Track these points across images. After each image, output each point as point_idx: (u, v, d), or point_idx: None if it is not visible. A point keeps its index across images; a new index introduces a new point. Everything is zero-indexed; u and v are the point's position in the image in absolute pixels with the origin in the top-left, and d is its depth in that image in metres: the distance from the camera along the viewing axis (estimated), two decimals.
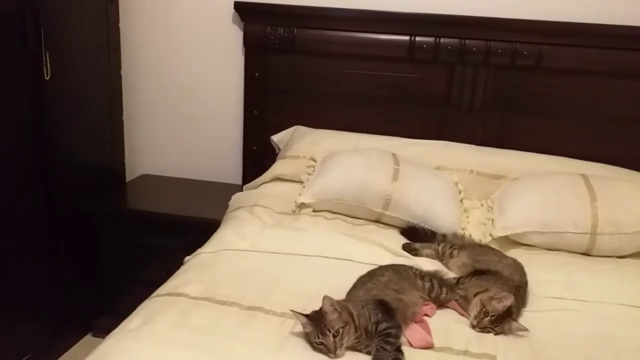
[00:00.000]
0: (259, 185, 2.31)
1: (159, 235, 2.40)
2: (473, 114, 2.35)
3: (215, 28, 2.58)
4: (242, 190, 2.37)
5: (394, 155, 2.09)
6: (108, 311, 2.46)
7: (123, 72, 2.64)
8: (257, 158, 2.62)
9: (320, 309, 1.26)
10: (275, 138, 2.53)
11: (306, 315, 1.25)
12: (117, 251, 2.45)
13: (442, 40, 2.29)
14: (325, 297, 1.24)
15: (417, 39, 2.31)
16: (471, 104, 2.34)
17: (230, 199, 2.24)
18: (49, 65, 2.08)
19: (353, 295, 1.39)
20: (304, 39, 2.42)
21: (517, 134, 2.32)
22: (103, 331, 2.43)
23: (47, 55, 2.07)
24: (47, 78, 2.09)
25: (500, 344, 1.31)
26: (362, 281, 1.46)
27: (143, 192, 2.67)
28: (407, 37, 2.33)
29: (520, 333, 1.36)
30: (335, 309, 1.24)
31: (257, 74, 2.53)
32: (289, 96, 2.53)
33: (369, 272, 1.51)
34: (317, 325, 1.23)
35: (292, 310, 1.27)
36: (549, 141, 2.26)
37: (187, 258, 1.78)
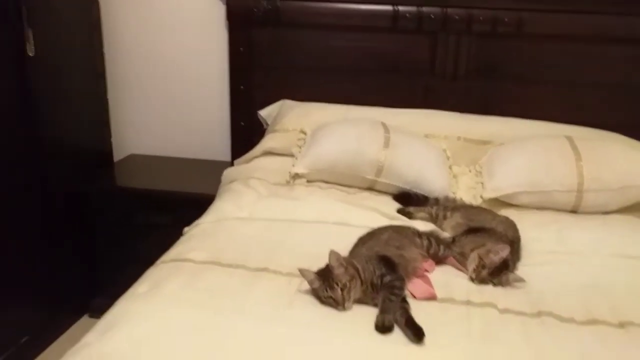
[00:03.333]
0: (251, 160, 2.32)
1: (152, 213, 2.39)
2: (457, 82, 2.39)
3: (197, 3, 2.56)
4: (232, 166, 2.37)
5: (383, 124, 2.12)
6: (105, 292, 2.45)
7: (106, 51, 2.60)
8: (246, 134, 2.62)
9: (327, 265, 1.29)
10: (263, 113, 2.53)
11: (314, 273, 1.28)
12: (111, 231, 2.44)
13: (424, 9, 2.32)
14: (332, 252, 1.27)
15: (400, 8, 2.33)
16: (455, 73, 2.38)
17: (220, 175, 2.24)
18: (32, 41, 2.04)
19: (356, 253, 1.42)
20: (288, 11, 2.42)
21: (501, 100, 2.37)
22: (100, 312, 2.42)
23: (31, 32, 2.03)
24: (32, 55, 2.05)
25: (499, 294, 1.36)
26: (363, 240, 1.50)
27: (133, 171, 2.65)
28: (390, 7, 2.35)
29: (518, 284, 1.41)
30: (342, 264, 1.27)
31: (241, 49, 2.52)
32: (275, 70, 2.54)
33: (369, 232, 1.54)
34: (324, 281, 1.26)
35: (299, 268, 1.30)
36: (533, 107, 2.31)
37: (186, 229, 1.79)
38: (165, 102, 2.74)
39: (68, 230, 2.38)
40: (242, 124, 2.63)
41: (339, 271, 1.26)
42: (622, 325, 1.23)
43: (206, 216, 1.81)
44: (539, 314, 1.27)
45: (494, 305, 1.30)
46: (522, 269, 1.50)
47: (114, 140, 2.74)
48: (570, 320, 1.25)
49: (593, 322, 1.25)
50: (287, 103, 2.50)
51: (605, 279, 1.43)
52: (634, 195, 1.82)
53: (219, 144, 2.75)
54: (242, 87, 2.57)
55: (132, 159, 2.77)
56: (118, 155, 2.76)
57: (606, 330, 1.22)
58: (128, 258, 2.42)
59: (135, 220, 2.41)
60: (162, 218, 2.36)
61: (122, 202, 2.42)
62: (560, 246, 1.63)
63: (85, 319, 2.51)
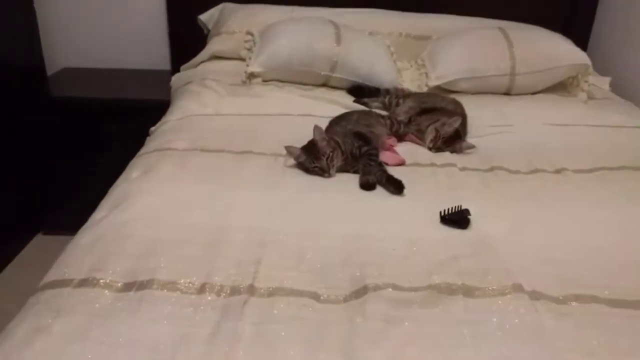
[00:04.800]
0: (198, 64, 2.32)
1: (98, 123, 2.35)
2: None
3: None
4: (179, 72, 2.35)
5: (331, 21, 2.19)
6: (58, 207, 2.44)
7: None
8: (185, 40, 2.58)
9: (309, 142, 1.42)
10: (203, 17, 2.50)
11: (299, 149, 1.41)
12: (56, 146, 2.38)
13: None
14: (316, 127, 1.40)
15: None
16: None
17: (161, 83, 2.24)
18: None
19: (332, 132, 1.55)
20: None
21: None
22: (55, 228, 2.43)
23: None
24: None
25: (457, 158, 1.57)
26: (335, 122, 1.63)
27: (70, 84, 2.55)
28: None
29: (469, 151, 1.63)
30: (324, 138, 1.41)
31: None
32: None
33: (338, 116, 1.67)
34: (310, 154, 1.39)
35: (286, 146, 1.41)
36: (467, 5, 2.47)
37: (152, 128, 1.81)
38: (97, 11, 2.61)
39: (7, 149, 2.28)
40: (182, 30, 2.59)
41: (322, 144, 1.39)
42: (558, 171, 1.49)
43: (171, 115, 1.84)
44: (492, 168, 1.50)
45: (454, 165, 1.50)
46: (470, 140, 1.71)
47: (45, 53, 2.59)
48: (517, 172, 1.49)
49: (535, 171, 1.49)
50: (228, 6, 2.48)
51: (541, 141, 1.68)
52: (557, 75, 2.08)
53: (157, 52, 2.69)
54: None
55: (67, 72, 2.65)
56: (51, 69, 2.63)
57: (546, 176, 1.47)
58: (81, 171, 2.40)
59: (80, 133, 2.36)
60: (111, 128, 2.33)
61: (62, 115, 2.34)
62: (500, 121, 1.85)
63: (39, 237, 2.48)
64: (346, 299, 0.96)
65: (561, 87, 2.13)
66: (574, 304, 0.96)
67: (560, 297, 0.97)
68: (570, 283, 1.01)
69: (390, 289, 0.96)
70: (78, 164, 2.40)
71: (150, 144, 1.60)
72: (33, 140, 2.36)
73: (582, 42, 2.49)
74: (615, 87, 2.25)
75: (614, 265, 1.08)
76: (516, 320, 0.90)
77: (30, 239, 2.46)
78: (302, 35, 2.08)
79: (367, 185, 1.34)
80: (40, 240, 2.46)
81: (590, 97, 2.07)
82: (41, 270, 1.04)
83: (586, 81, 2.08)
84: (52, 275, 1.00)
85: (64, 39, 2.65)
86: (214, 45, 2.35)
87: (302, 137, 1.48)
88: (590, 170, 1.49)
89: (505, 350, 0.84)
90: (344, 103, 1.94)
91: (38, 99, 2.37)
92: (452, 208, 1.23)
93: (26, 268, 2.25)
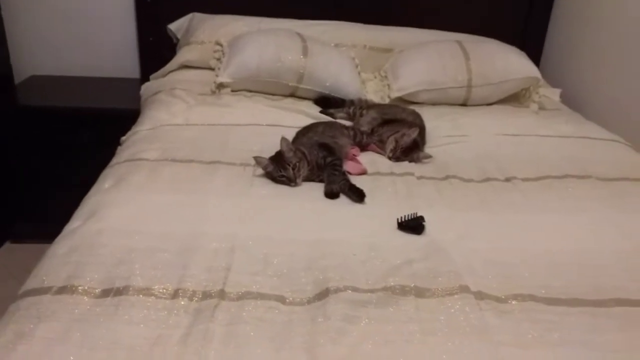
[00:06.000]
0: (167, 74, 2.38)
1: (66, 132, 2.36)
2: None
3: None
4: (148, 81, 2.40)
5: (298, 34, 2.28)
6: (27, 216, 2.44)
7: None
8: (155, 49, 2.63)
9: (277, 152, 1.50)
10: (173, 27, 2.55)
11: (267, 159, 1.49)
12: (25, 154, 2.38)
13: None
14: (283, 138, 1.48)
15: None
16: None
17: (130, 92, 2.28)
18: None
19: (299, 143, 1.64)
20: None
21: (399, 12, 2.62)
22: (24, 236, 2.44)
23: None
24: None
25: (414, 167, 1.67)
26: (301, 133, 1.72)
27: (38, 92, 2.55)
28: None
29: (426, 160, 1.73)
30: (291, 148, 1.49)
31: None
32: None
33: (304, 127, 1.76)
34: (277, 164, 1.47)
35: (254, 157, 1.49)
36: (427, 18, 2.60)
37: (123, 138, 1.86)
38: (67, 19, 2.62)
39: None
40: (151, 39, 2.64)
41: (289, 154, 1.48)
42: (508, 180, 1.61)
43: (141, 125, 1.89)
44: (446, 177, 1.61)
45: (412, 174, 1.60)
46: (428, 150, 1.82)
47: (12, 61, 2.59)
48: (470, 180, 1.60)
49: (487, 180, 1.61)
50: (197, 16, 2.54)
51: (493, 151, 1.80)
52: (511, 87, 2.22)
53: (126, 61, 2.73)
54: (148, 0, 2.55)
55: (35, 80, 2.66)
56: (19, 77, 2.63)
57: (496, 184, 1.58)
58: (49, 180, 2.41)
59: (48, 142, 2.37)
60: (80, 137, 2.35)
61: (30, 123, 2.35)
62: (456, 131, 1.97)
63: (7, 246, 2.48)
64: (309, 301, 1.04)
65: (514, 98, 2.28)
66: (514, 302, 1.06)
67: (502, 297, 1.07)
68: (512, 284, 1.12)
69: (350, 291, 1.05)
70: (46, 172, 2.41)
71: (122, 154, 1.65)
72: (0, 149, 2.37)
73: (535, 54, 2.65)
74: (565, 98, 2.42)
75: (554, 267, 1.19)
76: (462, 318, 1.00)
77: None
78: (270, 47, 2.16)
79: (331, 194, 1.43)
80: (8, 249, 2.46)
81: (542, 107, 2.22)
82: (10, 278, 1.08)
83: (537, 93, 2.23)
84: (32, 283, 1.05)
85: (32, 47, 2.65)
86: (183, 55, 2.41)
87: (271, 147, 1.56)
88: (537, 179, 1.62)
89: (451, 345, 0.94)
90: (311, 113, 2.02)
91: (5, 108, 2.37)
92: (408, 215, 1.33)
93: None
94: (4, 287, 1.06)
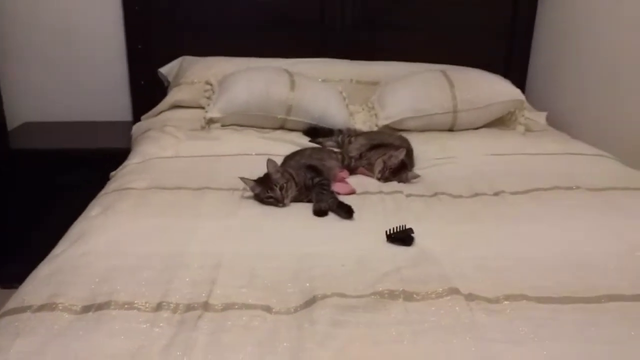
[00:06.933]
0: (158, 114, 2.41)
1: (57, 174, 2.37)
2: (345, 32, 2.68)
3: None
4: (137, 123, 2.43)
5: (286, 70, 2.33)
6: (16, 259, 2.40)
7: None
8: (147, 92, 2.69)
9: (264, 175, 1.50)
10: (164, 70, 2.62)
11: (254, 181, 1.49)
12: (18, 196, 2.39)
13: None
14: (269, 160, 1.49)
15: None
16: (343, 24, 2.66)
17: (122, 134, 2.31)
18: None
19: (286, 166, 1.64)
20: None
21: (384, 48, 2.70)
22: (13, 280, 2.38)
23: None
24: None
25: (403, 186, 1.67)
26: (289, 157, 1.73)
27: (30, 137, 2.58)
28: None
29: (415, 180, 1.74)
30: (278, 170, 1.49)
31: (137, 7, 2.58)
32: (173, 28, 2.63)
33: (292, 152, 1.78)
34: (264, 185, 1.47)
35: (241, 177, 1.49)
36: (412, 52, 2.67)
37: (113, 173, 1.86)
38: (59, 66, 2.69)
39: None
40: (142, 82, 2.70)
41: (276, 176, 1.48)
42: (496, 194, 1.61)
43: (131, 159, 1.90)
44: (435, 194, 1.61)
45: (400, 192, 1.60)
46: (417, 171, 1.82)
47: (5, 108, 2.64)
48: (459, 196, 1.60)
49: (476, 195, 1.61)
50: (187, 59, 2.61)
51: (482, 169, 1.80)
52: (496, 111, 2.25)
53: (119, 104, 2.78)
54: (139, 45, 2.63)
55: (28, 126, 2.69)
56: (12, 124, 2.67)
57: (485, 198, 1.58)
58: (38, 223, 2.39)
59: (39, 184, 2.37)
60: (71, 178, 2.36)
61: (21, 167, 2.36)
62: (444, 153, 1.98)
63: None
64: (296, 309, 1.01)
65: (500, 122, 2.31)
66: (505, 302, 1.04)
67: (493, 298, 1.05)
68: (503, 286, 1.10)
69: (337, 297, 1.03)
70: (36, 215, 2.40)
71: (110, 185, 1.65)
72: None
73: (520, 82, 2.71)
74: (551, 121, 2.45)
75: (545, 270, 1.17)
76: (452, 318, 0.97)
77: None
78: (258, 82, 2.21)
79: (320, 212, 1.42)
80: None
81: (528, 129, 2.25)
82: None
83: (523, 115, 2.26)
84: (11, 304, 1.02)
85: (25, 94, 2.70)
86: (173, 95, 2.45)
87: (260, 174, 1.56)
88: (526, 191, 1.62)
89: (441, 344, 0.91)
90: (300, 142, 2.04)
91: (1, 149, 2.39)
92: (397, 227, 1.31)
93: None
94: None
